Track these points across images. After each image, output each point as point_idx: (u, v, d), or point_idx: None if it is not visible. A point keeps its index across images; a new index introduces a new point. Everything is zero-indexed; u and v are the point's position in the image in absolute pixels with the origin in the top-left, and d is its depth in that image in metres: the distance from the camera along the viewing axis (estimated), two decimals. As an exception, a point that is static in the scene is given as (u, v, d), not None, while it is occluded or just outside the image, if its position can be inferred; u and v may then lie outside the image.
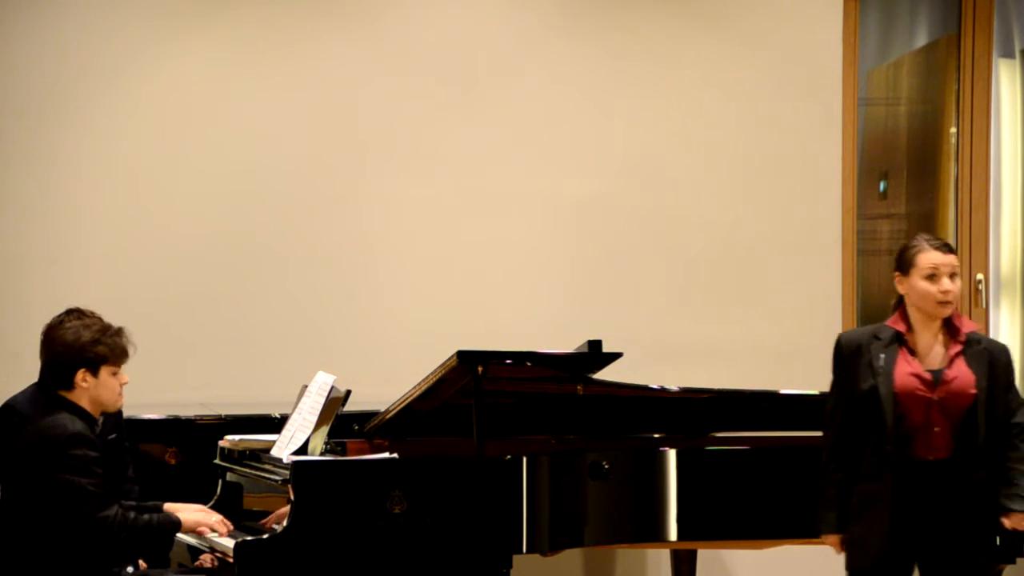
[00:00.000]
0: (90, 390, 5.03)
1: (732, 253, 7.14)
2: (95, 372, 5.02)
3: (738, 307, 7.13)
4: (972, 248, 7.48)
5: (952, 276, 4.93)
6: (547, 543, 5.22)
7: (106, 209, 6.73)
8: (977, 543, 4.91)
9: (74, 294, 6.07)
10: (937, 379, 4.88)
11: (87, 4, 6.73)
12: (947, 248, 4.98)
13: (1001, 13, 7.58)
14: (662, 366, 6.72)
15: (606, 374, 5.56)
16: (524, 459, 5.18)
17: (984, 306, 7.49)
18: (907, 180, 7.73)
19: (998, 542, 5.39)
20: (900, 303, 5.01)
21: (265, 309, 6.79)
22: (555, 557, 5.36)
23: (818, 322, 6.98)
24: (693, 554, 6.43)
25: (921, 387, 4.87)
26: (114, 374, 5.06)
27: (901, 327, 4.96)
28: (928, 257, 4.93)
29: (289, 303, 6.82)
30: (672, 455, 5.51)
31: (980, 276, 7.48)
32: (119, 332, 5.08)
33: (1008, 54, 7.65)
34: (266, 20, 6.84)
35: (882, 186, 7.70)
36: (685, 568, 6.44)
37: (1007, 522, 4.88)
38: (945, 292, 4.90)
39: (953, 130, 7.54)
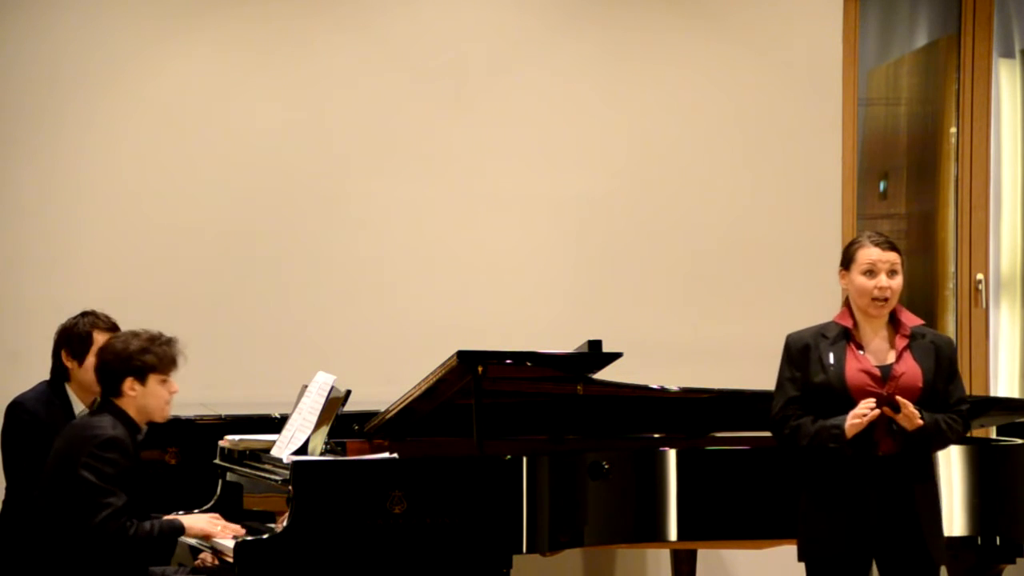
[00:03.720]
0: (137, 398, 5.06)
1: (732, 253, 7.14)
2: (143, 380, 5.05)
3: (738, 307, 7.13)
4: (972, 248, 7.48)
5: (891, 273, 4.95)
6: (547, 543, 5.21)
7: (106, 209, 6.73)
8: (931, 538, 4.91)
9: (74, 294, 6.08)
10: (886, 374, 4.92)
11: (86, 5, 6.73)
12: (888, 245, 4.99)
13: (1001, 13, 7.58)
14: (662, 366, 6.72)
15: (606, 374, 5.56)
16: (524, 459, 5.18)
17: (984, 306, 7.49)
18: (907, 180, 7.72)
19: (998, 542, 5.40)
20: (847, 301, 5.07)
21: (265, 309, 6.79)
22: (555, 557, 5.35)
23: (818, 322, 6.95)
24: (693, 554, 6.44)
25: (871, 383, 4.90)
26: (163, 382, 5.09)
27: (847, 322, 5.00)
28: (866, 253, 4.97)
29: (289, 303, 6.82)
30: (672, 455, 5.51)
31: (980, 276, 7.48)
32: (169, 341, 5.13)
33: (1008, 54, 7.65)
34: (266, 20, 6.84)
35: (882, 186, 7.70)
36: (685, 568, 6.45)
37: (900, 414, 4.84)
38: (882, 289, 4.93)
39: (953, 130, 7.54)
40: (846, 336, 4.97)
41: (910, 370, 4.92)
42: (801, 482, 5.05)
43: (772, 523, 5.55)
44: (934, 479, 5.00)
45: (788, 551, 5.87)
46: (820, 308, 7.04)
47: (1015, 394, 7.55)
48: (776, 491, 5.54)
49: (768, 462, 5.57)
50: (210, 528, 5.15)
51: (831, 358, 4.94)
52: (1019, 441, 5.66)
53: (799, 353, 5.00)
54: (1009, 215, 7.68)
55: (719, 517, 5.53)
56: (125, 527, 4.87)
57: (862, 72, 7.44)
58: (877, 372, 4.91)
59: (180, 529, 5.08)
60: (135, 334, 5.12)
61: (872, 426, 4.87)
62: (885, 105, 7.72)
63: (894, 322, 5.00)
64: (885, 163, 7.72)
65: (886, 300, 4.94)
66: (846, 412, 4.88)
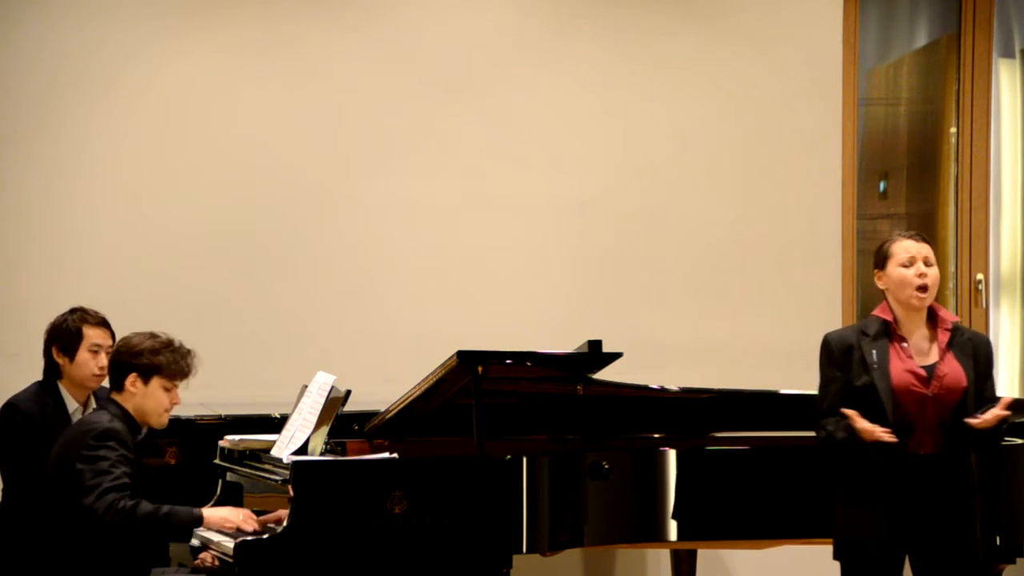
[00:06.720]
0: (137, 396, 5.04)
1: (732, 253, 7.14)
2: (146, 380, 5.04)
3: (738, 307, 7.13)
4: (972, 248, 7.48)
5: (927, 263, 4.99)
6: (547, 543, 5.21)
7: (106, 209, 6.73)
8: (968, 539, 4.93)
9: (74, 294, 6.07)
10: (931, 374, 4.95)
11: (86, 5, 6.73)
12: (920, 237, 5.09)
13: (1001, 13, 7.58)
14: (662, 366, 6.72)
15: (606, 374, 5.56)
16: (524, 459, 5.18)
17: (984, 306, 7.49)
18: (907, 180, 7.73)
19: (998, 542, 5.40)
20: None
21: (265, 309, 6.80)
22: (555, 557, 5.35)
23: (818, 322, 6.95)
24: (693, 554, 6.43)
25: (916, 383, 4.94)
26: (166, 389, 5.07)
27: (888, 316, 5.02)
28: (902, 246, 5.04)
29: (289, 303, 6.82)
30: (672, 455, 5.50)
31: (980, 276, 7.48)
32: (187, 353, 5.10)
33: (1008, 54, 7.66)
34: (266, 20, 6.85)
35: (882, 186, 7.70)
36: (685, 568, 6.44)
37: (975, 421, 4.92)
38: (922, 275, 4.96)
39: (953, 130, 7.54)
40: (887, 332, 5.00)
41: (953, 371, 4.96)
42: (838, 480, 5.07)
43: (772, 523, 5.55)
44: (975, 479, 5.01)
45: (788, 551, 5.88)
46: (820, 308, 7.08)
47: (1015, 394, 7.54)
48: (776, 491, 5.54)
49: (768, 462, 5.57)
50: (232, 517, 5.10)
51: (874, 356, 4.97)
52: (1019, 441, 5.66)
53: (842, 354, 5.02)
54: (1009, 215, 7.68)
55: (719, 517, 5.53)
56: (118, 504, 4.81)
57: (862, 72, 7.44)
58: (923, 372, 4.95)
59: (199, 519, 5.02)
60: (155, 335, 5.10)
61: (914, 426, 4.91)
62: (885, 105, 7.72)
63: (932, 319, 5.04)
64: (885, 163, 7.72)
65: (927, 289, 4.98)
66: (892, 412, 4.89)
